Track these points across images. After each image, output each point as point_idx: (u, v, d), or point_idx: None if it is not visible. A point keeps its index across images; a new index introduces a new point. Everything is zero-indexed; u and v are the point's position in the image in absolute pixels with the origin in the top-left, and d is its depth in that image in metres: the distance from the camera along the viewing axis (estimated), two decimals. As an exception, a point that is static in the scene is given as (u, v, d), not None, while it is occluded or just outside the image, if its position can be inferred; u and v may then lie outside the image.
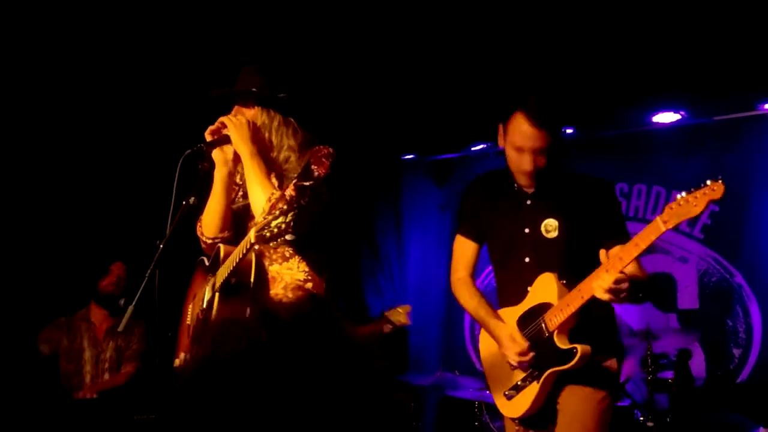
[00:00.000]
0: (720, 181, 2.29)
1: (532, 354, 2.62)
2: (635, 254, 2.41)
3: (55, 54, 4.54)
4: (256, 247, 2.53)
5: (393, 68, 5.13)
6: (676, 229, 6.31)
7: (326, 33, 4.69)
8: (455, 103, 5.50)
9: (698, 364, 5.30)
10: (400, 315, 4.96)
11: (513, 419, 2.74)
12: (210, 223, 2.79)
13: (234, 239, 2.78)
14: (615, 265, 2.41)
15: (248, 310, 2.52)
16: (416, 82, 5.29)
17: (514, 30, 4.69)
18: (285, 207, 2.29)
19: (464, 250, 2.89)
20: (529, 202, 2.73)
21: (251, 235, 2.40)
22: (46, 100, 4.90)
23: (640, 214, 5.85)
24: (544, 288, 2.62)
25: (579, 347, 2.52)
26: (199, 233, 2.85)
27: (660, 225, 2.35)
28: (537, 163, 2.59)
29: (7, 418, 3.70)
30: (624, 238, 2.62)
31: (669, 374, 4.97)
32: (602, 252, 2.47)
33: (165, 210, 2.60)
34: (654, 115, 5.60)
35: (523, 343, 2.62)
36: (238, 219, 2.84)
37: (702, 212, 2.32)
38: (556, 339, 2.56)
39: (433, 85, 5.32)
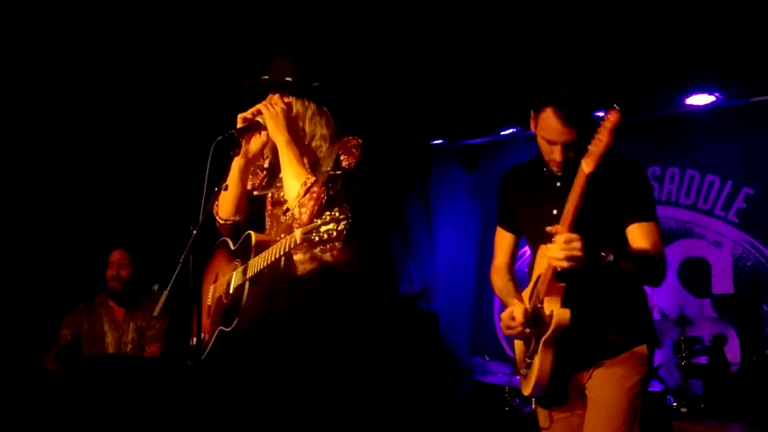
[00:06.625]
0: (615, 110, 2.36)
1: (523, 328, 2.63)
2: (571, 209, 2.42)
3: (83, 37, 4.58)
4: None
5: (421, 54, 5.10)
6: (710, 213, 6.16)
7: (353, 20, 4.67)
8: (484, 87, 5.46)
9: (733, 350, 5.23)
10: None
11: (528, 397, 2.78)
12: (225, 206, 2.88)
13: (248, 223, 2.87)
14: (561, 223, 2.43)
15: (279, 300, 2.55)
16: (444, 67, 5.26)
17: (544, 12, 4.64)
18: (337, 213, 2.32)
19: (502, 240, 2.95)
20: (558, 184, 2.73)
21: (297, 235, 2.43)
22: (73, 95, 4.97)
23: (673, 198, 5.77)
24: (542, 260, 2.62)
25: (554, 311, 2.48)
26: (214, 212, 2.93)
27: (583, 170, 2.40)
28: (567, 154, 2.61)
29: (36, 407, 3.75)
30: (646, 218, 2.59)
31: (703, 360, 4.92)
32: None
33: (194, 195, 2.63)
34: (688, 97, 5.50)
35: (520, 318, 2.64)
36: (259, 203, 2.89)
37: (609, 143, 2.37)
38: (544, 307, 2.55)
39: (461, 69, 5.28)
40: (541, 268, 2.62)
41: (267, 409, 0.84)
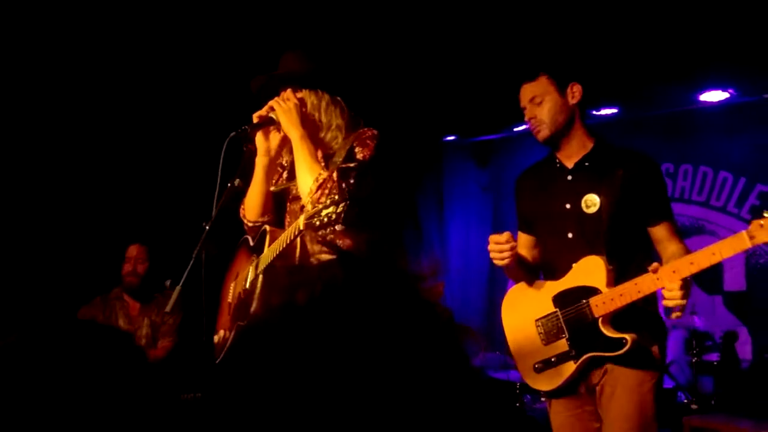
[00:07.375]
0: None
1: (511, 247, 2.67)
2: (706, 265, 2.35)
3: (97, 34, 4.63)
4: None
5: (434, 50, 5.11)
6: (723, 210, 6.13)
7: (368, 17, 4.69)
8: (496, 83, 5.45)
9: (745, 347, 5.22)
10: None
11: (541, 391, 2.76)
12: (251, 207, 2.86)
13: (275, 222, 2.85)
14: (682, 270, 2.38)
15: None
16: (457, 63, 5.27)
17: (558, 9, 4.64)
18: (335, 195, 2.33)
19: (522, 242, 2.95)
20: (569, 177, 2.72)
21: (300, 222, 2.44)
22: (92, 93, 5.02)
23: (686, 195, 5.76)
24: (591, 271, 2.58)
25: (629, 337, 2.49)
26: (242, 216, 2.91)
27: (746, 240, 2.27)
28: (534, 113, 2.76)
29: (53, 400, 3.80)
30: (669, 218, 2.61)
31: (714, 356, 4.91)
32: (654, 265, 2.43)
33: (207, 191, 2.66)
34: (701, 94, 5.49)
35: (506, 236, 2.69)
36: (280, 200, 2.90)
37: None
38: (601, 326, 2.53)
39: (474, 66, 5.29)
40: (583, 278, 2.61)
41: (288, 399, 0.84)
